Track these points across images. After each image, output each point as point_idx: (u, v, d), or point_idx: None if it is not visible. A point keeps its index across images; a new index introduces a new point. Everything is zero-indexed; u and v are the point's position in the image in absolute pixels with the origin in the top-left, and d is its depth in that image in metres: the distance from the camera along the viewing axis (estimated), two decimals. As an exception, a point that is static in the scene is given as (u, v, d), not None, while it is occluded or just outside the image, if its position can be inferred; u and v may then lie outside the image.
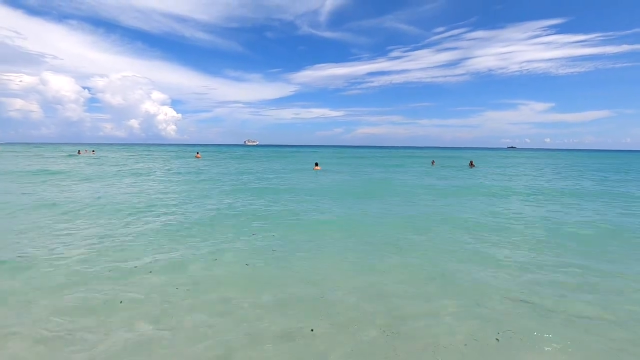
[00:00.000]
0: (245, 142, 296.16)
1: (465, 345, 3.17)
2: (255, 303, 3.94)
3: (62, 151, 58.81)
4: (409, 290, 4.36)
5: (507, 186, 15.57)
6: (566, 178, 20.33)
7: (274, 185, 15.07)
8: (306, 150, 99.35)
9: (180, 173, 20.83)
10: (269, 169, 25.45)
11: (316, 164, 24.71)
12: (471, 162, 29.79)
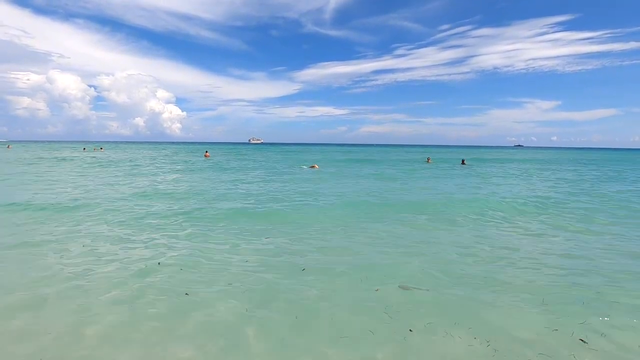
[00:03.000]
0: (249, 140, 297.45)
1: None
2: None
3: (76, 149, 60.77)
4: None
5: (472, 193, 12.72)
6: (546, 182, 18.87)
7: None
8: (313, 148, 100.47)
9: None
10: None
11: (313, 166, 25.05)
12: (463, 161, 31.85)
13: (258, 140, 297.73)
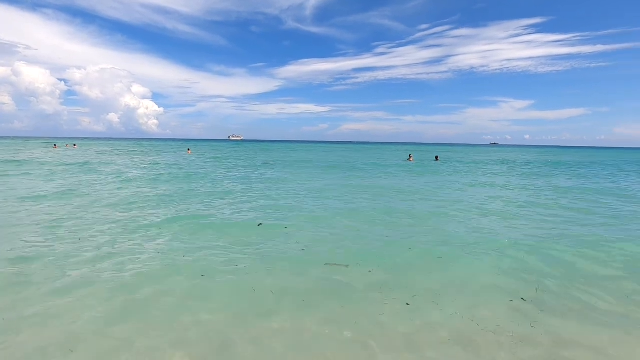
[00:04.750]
0: (229, 137, 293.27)
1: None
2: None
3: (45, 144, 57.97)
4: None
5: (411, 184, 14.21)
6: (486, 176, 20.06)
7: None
8: (294, 145, 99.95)
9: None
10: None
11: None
12: (436, 157, 33.43)
13: (238, 137, 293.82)
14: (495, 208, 9.70)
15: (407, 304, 3.91)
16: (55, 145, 54.00)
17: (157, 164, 23.94)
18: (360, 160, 32.92)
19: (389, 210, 9.00)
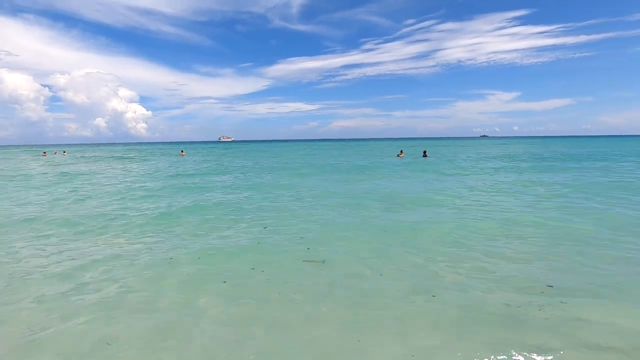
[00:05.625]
0: (219, 138, 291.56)
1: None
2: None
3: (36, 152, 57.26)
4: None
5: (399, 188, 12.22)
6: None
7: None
8: (285, 145, 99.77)
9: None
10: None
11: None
12: (424, 152, 30.29)
13: (228, 138, 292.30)
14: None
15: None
16: (44, 153, 53.42)
17: (158, 170, 24.10)
18: (352, 159, 31.55)
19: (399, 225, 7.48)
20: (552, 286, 4.35)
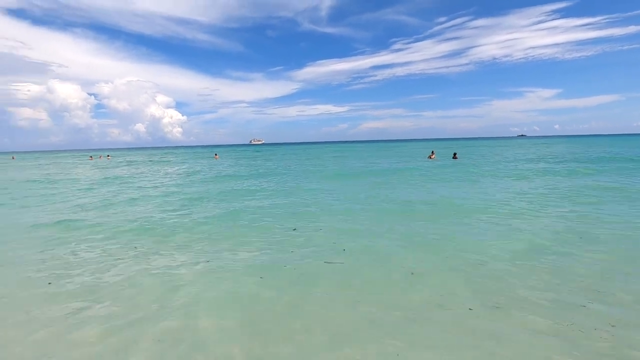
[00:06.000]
0: (251, 141, 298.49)
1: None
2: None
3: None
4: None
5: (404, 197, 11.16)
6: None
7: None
8: (316, 147, 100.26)
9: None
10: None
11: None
12: (454, 154, 28.93)
13: (259, 141, 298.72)
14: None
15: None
16: (91, 157, 57.30)
17: (195, 173, 25.21)
18: (383, 161, 31.17)
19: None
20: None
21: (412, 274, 5.02)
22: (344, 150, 62.73)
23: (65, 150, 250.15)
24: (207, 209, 10.38)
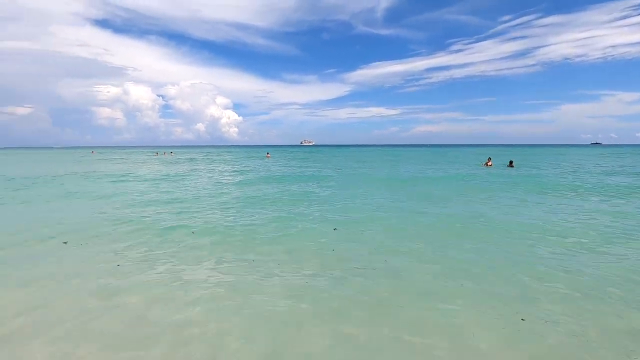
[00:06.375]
0: (301, 142, 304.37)
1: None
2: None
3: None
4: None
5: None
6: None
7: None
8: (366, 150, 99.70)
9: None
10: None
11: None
12: (510, 162, 27.05)
13: (310, 142, 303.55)
14: None
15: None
16: (157, 153, 62.68)
17: (249, 170, 26.54)
18: (437, 167, 29.13)
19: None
20: None
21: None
22: (395, 154, 61.62)
23: (136, 147, 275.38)
24: (257, 209, 10.94)
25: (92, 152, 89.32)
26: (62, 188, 15.84)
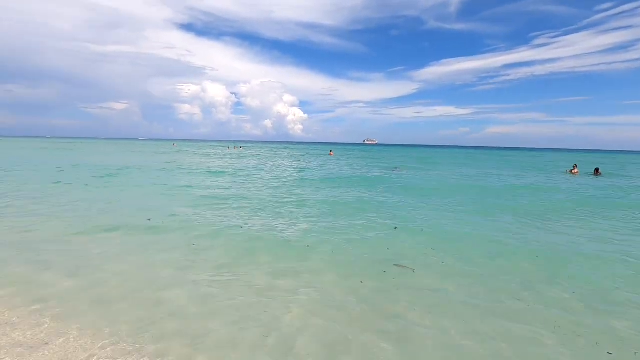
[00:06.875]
0: (364, 141, 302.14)
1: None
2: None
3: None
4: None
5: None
6: None
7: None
8: (437, 150, 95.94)
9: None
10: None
11: None
12: (596, 170, 23.83)
13: (372, 141, 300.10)
14: None
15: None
16: (228, 147, 67.45)
17: (312, 167, 27.32)
18: (515, 173, 25.63)
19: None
20: None
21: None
22: (466, 157, 57.88)
23: (210, 140, 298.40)
24: (313, 209, 11.26)
25: (174, 144, 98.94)
26: (161, 178, 17.99)
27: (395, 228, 7.95)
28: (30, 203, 9.86)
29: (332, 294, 4.63)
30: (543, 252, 6.61)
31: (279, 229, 7.79)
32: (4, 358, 3.12)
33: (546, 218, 9.73)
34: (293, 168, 25.72)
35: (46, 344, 3.34)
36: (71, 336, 3.48)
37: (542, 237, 7.79)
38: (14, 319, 3.78)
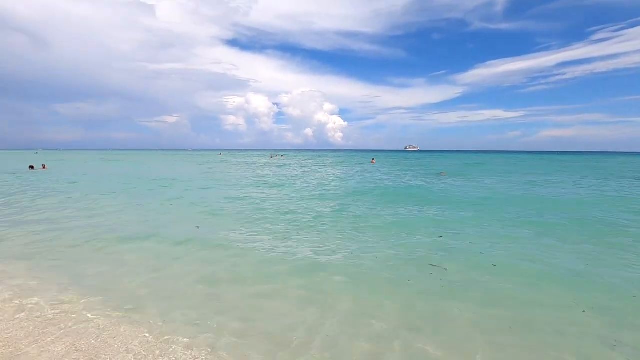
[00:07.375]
0: (405, 147, 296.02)
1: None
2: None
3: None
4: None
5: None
6: None
7: None
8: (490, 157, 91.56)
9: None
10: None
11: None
12: None
13: (414, 147, 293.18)
14: None
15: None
16: (271, 156, 69.58)
17: (354, 175, 27.47)
18: (585, 182, 21.31)
19: None
20: None
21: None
22: (519, 164, 54.09)
23: (253, 150, 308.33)
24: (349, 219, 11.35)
25: (220, 154, 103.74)
26: (212, 189, 19.19)
27: (440, 237, 7.93)
28: (136, 222, 9.50)
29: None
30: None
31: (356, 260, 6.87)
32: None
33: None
34: (339, 178, 25.39)
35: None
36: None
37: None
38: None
